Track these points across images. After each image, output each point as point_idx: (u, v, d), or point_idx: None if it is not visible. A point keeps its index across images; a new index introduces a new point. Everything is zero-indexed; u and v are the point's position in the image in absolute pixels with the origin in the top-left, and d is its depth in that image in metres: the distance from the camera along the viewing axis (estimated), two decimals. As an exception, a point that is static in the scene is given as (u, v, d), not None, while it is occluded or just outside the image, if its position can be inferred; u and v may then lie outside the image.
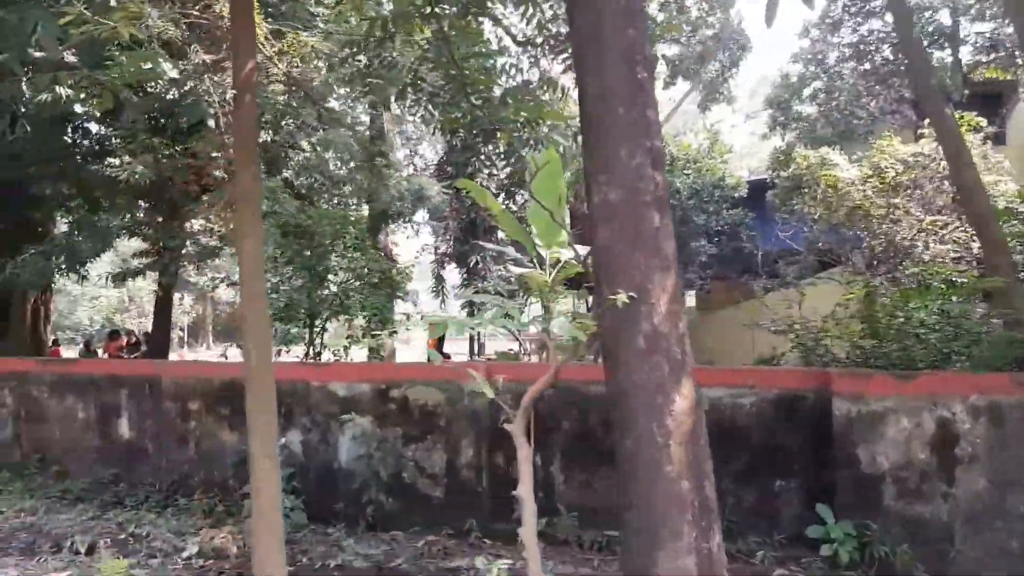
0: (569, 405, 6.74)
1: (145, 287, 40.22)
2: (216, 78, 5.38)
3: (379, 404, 7.18)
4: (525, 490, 3.32)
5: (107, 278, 13.31)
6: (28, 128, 13.23)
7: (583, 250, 6.78)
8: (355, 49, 4.82)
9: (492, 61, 4.95)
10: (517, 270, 9.71)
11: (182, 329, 43.06)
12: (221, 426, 7.73)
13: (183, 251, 12.14)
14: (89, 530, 7.21)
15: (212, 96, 4.71)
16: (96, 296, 41.62)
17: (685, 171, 17.42)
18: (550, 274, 10.12)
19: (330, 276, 9.15)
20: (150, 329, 27.31)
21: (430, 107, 5.12)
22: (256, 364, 4.07)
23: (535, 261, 10.86)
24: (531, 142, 5.55)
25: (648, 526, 3.01)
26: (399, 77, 5.12)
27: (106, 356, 18.34)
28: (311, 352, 9.47)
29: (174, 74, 4.35)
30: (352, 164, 14.25)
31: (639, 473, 3.01)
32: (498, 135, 5.36)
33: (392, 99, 5.32)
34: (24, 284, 12.04)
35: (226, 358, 10.30)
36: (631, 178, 3.03)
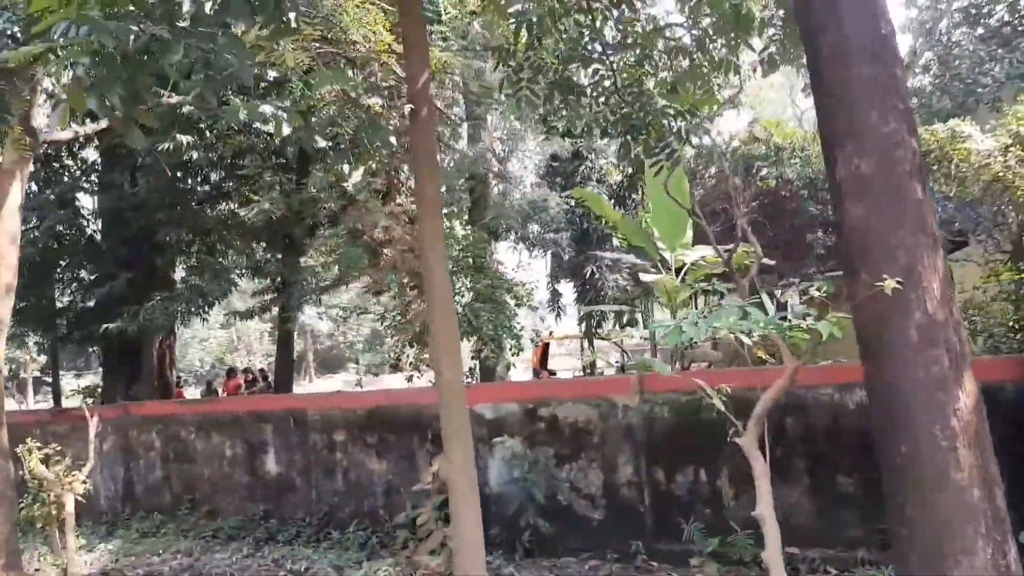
0: (736, 414, 6.31)
1: (252, 326, 41.66)
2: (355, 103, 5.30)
3: (528, 424, 6.94)
4: (766, 509, 2.97)
5: (235, 317, 13.67)
6: (149, 179, 13.85)
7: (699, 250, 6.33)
8: (502, 55, 4.64)
9: (647, 52, 4.68)
10: (650, 277, 9.38)
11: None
12: (368, 456, 7.66)
13: (304, 285, 12.33)
14: (246, 568, 7.24)
15: (376, 117, 4.55)
16: (205, 338, 43.33)
17: (792, 160, 16.66)
18: (679, 277, 9.70)
19: (456, 297, 9.01)
20: (260, 366, 28.10)
21: (579, 108, 4.88)
22: (449, 382, 3.86)
23: (659, 265, 10.46)
24: (684, 134, 5.22)
25: (934, 541, 2.62)
26: (544, 80, 4.92)
27: (225, 395, 18.87)
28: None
29: (357, 91, 4.25)
30: (444, 186, 14.28)
31: (920, 481, 2.62)
32: (649, 130, 5.06)
33: (537, 103, 5.08)
34: (155, 329, 12.45)
35: (360, 387, 10.27)
36: (885, 145, 2.67)
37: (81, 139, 6.95)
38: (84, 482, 6.23)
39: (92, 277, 15.98)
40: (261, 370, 22.33)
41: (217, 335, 41.82)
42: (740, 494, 6.23)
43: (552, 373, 17.06)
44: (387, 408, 7.60)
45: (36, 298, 15.73)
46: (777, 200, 14.92)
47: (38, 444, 6.29)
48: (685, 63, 4.70)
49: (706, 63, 4.54)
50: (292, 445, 8.16)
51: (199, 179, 13.23)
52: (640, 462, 6.52)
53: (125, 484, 9.21)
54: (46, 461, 6.26)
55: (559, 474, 6.78)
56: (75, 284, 16.79)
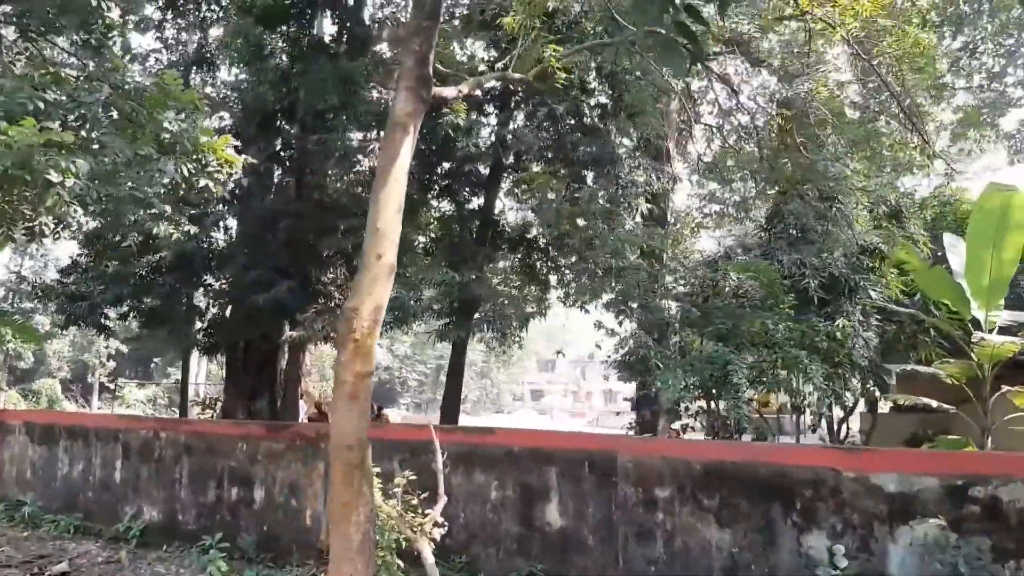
0: None
1: (325, 350, 40.34)
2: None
3: (952, 505, 5.48)
4: None
5: (433, 337, 12.44)
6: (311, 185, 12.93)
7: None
8: None
9: None
10: (998, 338, 7.95)
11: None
12: (704, 521, 6.22)
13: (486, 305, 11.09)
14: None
15: None
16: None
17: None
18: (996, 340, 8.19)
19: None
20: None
21: None
22: None
23: (969, 325, 8.95)
24: None
25: None
26: None
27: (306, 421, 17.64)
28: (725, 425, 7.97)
29: None
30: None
31: None
32: None
33: None
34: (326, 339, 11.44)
35: (635, 430, 8.89)
36: None
37: (465, 95, 5.79)
38: (441, 524, 4.88)
39: (226, 281, 14.89)
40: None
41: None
42: None
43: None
44: (736, 465, 6.18)
45: (170, 300, 14.65)
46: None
47: (377, 469, 4.97)
48: None
49: None
50: (586, 494, 6.76)
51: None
52: None
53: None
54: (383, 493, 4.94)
55: (1000, 572, 5.30)
56: (209, 288, 15.80)
